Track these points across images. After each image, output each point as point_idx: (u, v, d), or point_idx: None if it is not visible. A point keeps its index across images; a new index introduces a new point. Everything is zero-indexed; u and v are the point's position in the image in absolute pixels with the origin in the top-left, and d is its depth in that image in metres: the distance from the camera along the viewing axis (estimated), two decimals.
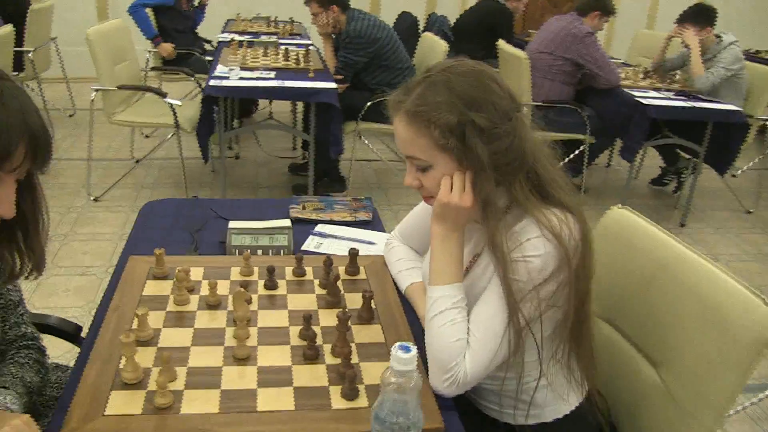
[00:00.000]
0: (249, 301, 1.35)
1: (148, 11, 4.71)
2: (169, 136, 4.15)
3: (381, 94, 3.89)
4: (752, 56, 6.00)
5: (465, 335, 1.15)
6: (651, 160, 4.90)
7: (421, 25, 5.48)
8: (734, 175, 5.24)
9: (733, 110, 3.90)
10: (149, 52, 4.74)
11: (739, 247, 3.98)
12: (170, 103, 3.57)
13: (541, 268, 1.12)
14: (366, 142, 4.34)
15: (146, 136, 4.86)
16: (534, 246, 1.12)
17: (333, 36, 4.01)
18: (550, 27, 4.21)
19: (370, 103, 3.70)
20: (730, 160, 4.06)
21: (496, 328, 1.13)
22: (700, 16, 4.29)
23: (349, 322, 1.31)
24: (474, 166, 1.14)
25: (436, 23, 5.20)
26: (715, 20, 4.30)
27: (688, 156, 4.35)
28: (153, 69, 4.60)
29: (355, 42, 3.79)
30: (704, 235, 4.09)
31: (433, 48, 4.02)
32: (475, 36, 5.18)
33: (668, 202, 4.60)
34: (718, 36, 4.30)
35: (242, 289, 1.30)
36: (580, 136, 4.08)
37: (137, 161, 4.44)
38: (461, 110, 1.11)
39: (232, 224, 1.63)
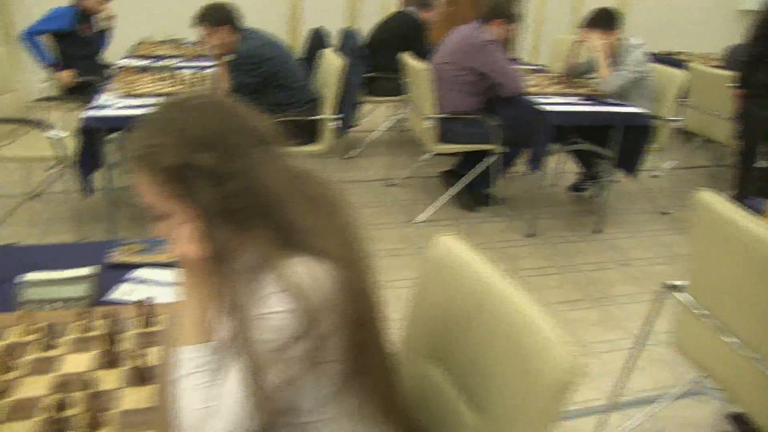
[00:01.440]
0: (10, 368, 1.21)
1: (47, 38, 4.53)
2: (51, 170, 3.95)
3: (279, 115, 3.76)
4: (666, 57, 6.03)
5: (211, 402, 1.02)
6: (572, 165, 4.84)
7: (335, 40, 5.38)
8: (655, 176, 5.22)
9: (638, 113, 3.86)
10: (46, 80, 4.56)
11: (654, 250, 3.93)
12: (50, 136, 3.40)
13: (284, 326, 0.99)
14: None
15: (49, 168, 4.66)
16: (275, 302, 0.99)
17: (228, 57, 3.88)
18: (453, 37, 4.13)
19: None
20: (639, 162, 4.01)
21: (245, 394, 1.00)
22: (605, 21, 4.26)
23: (122, 383, 1.18)
24: (203, 212, 1.01)
25: (348, 38, 5.09)
26: (619, 24, 4.28)
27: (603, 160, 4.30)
28: (46, 99, 4.42)
29: (246, 63, 3.67)
30: (620, 240, 4.04)
31: (330, 64, 3.91)
32: (389, 49, 5.08)
33: (586, 207, 4.54)
34: (624, 39, 4.28)
35: None
36: (489, 147, 3.99)
37: (35, 196, 4.25)
38: (184, 151, 0.98)
39: (27, 276, 1.48)
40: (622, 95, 4.20)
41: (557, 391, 1.08)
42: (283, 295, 0.98)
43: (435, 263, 1.46)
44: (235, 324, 1.01)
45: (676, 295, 2.11)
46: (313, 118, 3.82)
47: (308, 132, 3.87)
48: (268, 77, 3.70)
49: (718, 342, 1.92)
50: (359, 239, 1.15)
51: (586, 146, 4.03)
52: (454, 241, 1.44)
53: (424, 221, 4.03)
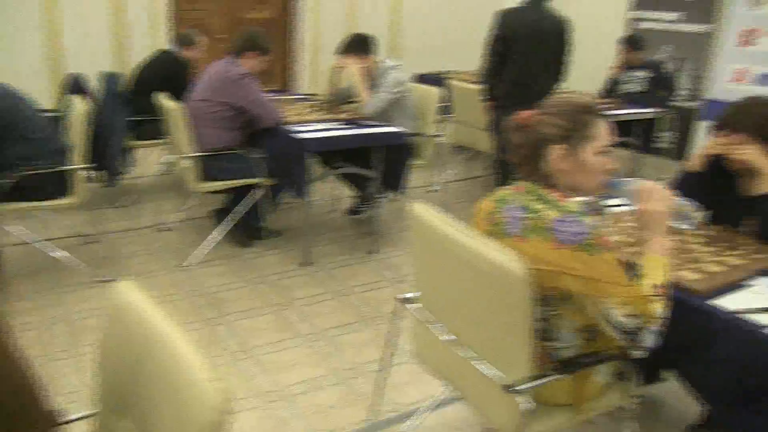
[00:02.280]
0: None
1: None
2: None
3: (22, 170, 3.46)
4: (434, 77, 6.34)
5: None
6: (348, 190, 4.91)
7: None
8: (433, 191, 5.43)
9: (395, 132, 3.98)
10: None
11: None
12: None
13: None
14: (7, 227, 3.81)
15: None
16: None
17: None
18: (207, 73, 4.06)
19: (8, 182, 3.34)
20: (402, 180, 4.13)
21: None
22: (359, 46, 4.39)
23: None
24: None
25: (109, 82, 4.86)
26: (374, 48, 4.41)
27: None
28: None
29: None
30: (394, 259, 4.12)
31: (76, 111, 3.69)
32: (152, 90, 4.90)
33: (364, 230, 4.60)
34: (381, 62, 4.42)
35: None
36: (254, 180, 3.94)
37: None
38: None
39: None
40: (383, 116, 4.33)
41: (210, 430, 1.05)
42: None
43: (113, 311, 1.37)
44: None
45: (409, 307, 2.15)
46: (62, 169, 3.57)
47: (60, 184, 3.62)
48: (2, 130, 3.42)
49: (445, 349, 1.97)
50: None
51: (348, 169, 4.10)
52: (129, 287, 1.37)
53: (196, 263, 3.90)
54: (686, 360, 1.91)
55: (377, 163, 3.99)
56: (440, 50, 7.86)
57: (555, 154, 1.72)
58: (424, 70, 6.87)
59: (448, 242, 1.80)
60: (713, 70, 6.64)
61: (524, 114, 1.78)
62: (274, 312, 3.38)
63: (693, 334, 1.81)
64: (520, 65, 4.24)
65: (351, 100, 4.57)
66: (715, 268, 2.00)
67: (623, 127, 5.34)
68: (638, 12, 7.27)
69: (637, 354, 1.77)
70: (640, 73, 5.86)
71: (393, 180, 4.12)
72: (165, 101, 3.95)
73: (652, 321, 1.64)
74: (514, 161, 1.83)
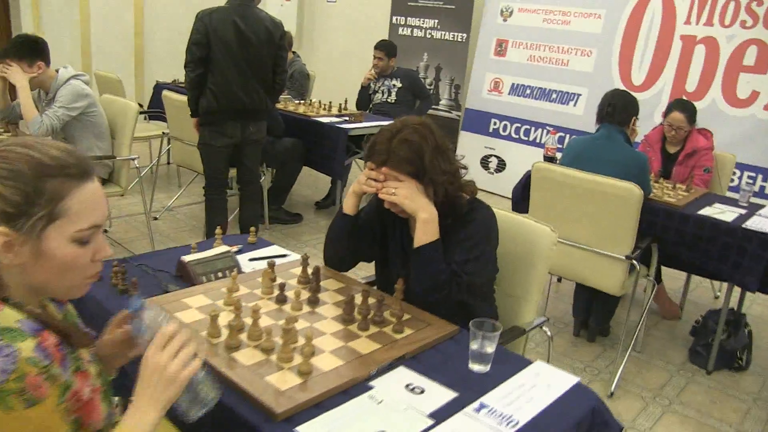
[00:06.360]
0: None
1: None
2: None
3: None
4: (177, 86, 5.60)
5: None
6: None
7: None
8: (156, 219, 4.70)
9: None
10: None
11: None
12: None
13: None
14: None
15: None
16: None
17: None
18: None
19: None
20: None
21: None
22: (27, 50, 3.53)
23: None
24: None
25: None
26: (46, 54, 3.57)
27: None
28: None
29: None
30: None
31: None
32: None
33: None
34: (58, 71, 3.61)
35: None
36: None
37: None
38: None
39: None
40: (64, 137, 3.55)
41: None
42: None
43: None
44: None
45: None
46: None
47: None
48: None
49: None
50: None
51: None
52: None
53: None
54: None
55: None
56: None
57: None
58: (168, 79, 6.09)
59: None
60: (471, 80, 6.41)
61: None
62: None
63: None
64: (221, 75, 3.61)
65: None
66: (330, 365, 1.39)
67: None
68: (399, 17, 6.90)
69: None
70: (392, 82, 5.43)
71: None
72: None
73: None
74: None
